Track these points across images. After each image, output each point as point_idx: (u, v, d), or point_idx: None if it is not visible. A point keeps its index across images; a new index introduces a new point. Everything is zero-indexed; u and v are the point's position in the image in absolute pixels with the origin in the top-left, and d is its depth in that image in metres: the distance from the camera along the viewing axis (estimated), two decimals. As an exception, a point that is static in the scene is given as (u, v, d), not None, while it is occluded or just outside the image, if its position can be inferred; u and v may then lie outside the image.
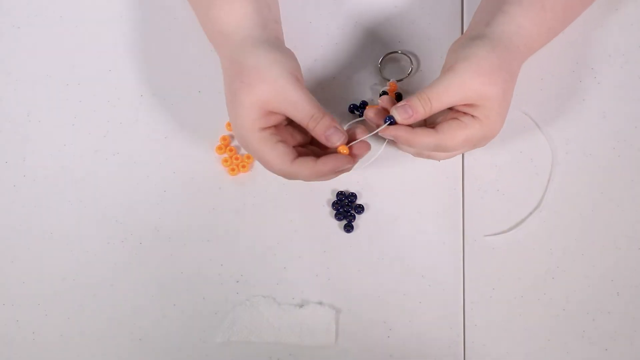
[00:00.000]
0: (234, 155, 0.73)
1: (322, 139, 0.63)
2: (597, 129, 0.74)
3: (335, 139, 0.63)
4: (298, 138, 0.66)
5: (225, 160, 0.72)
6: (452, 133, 0.63)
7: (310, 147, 0.67)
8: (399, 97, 0.74)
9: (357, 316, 0.68)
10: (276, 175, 0.70)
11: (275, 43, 0.65)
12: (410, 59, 0.75)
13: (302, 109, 0.62)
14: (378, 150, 0.68)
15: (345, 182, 0.72)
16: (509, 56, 0.64)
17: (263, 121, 0.63)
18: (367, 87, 0.75)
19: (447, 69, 0.63)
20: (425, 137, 0.63)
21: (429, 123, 0.67)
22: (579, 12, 0.72)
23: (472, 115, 0.63)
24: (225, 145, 0.73)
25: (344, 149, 0.63)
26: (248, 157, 0.72)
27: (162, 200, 0.72)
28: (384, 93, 0.74)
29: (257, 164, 0.73)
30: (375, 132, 0.65)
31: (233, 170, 0.72)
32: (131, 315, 0.69)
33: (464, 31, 0.72)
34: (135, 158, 0.73)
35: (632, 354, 0.68)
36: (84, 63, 0.76)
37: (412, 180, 0.72)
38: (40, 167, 0.73)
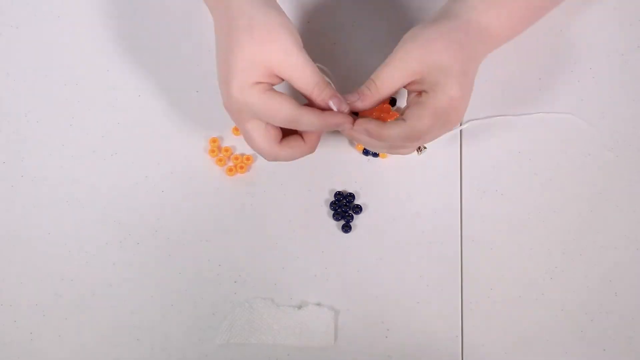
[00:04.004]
0: (232, 155, 0.73)
1: (324, 107, 0.63)
2: (596, 129, 0.74)
3: (340, 107, 0.63)
4: None
5: (220, 160, 0.72)
6: (416, 114, 0.61)
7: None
8: (393, 102, 0.74)
9: (355, 317, 0.68)
10: (274, 176, 0.70)
11: (277, 5, 0.65)
12: None
13: (309, 76, 0.62)
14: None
15: (343, 182, 0.72)
16: (452, 25, 0.63)
17: (265, 79, 0.62)
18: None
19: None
20: (394, 127, 0.62)
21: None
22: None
23: (425, 91, 0.62)
24: (217, 146, 0.73)
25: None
26: (248, 159, 0.72)
27: (161, 200, 0.72)
28: None
29: (256, 164, 0.73)
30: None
31: (231, 170, 0.72)
32: (129, 316, 0.69)
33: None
34: (133, 158, 0.73)
35: (631, 354, 0.68)
36: (82, 63, 0.76)
37: (410, 181, 0.72)
38: (38, 167, 0.73)
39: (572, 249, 0.70)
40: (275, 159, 0.65)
